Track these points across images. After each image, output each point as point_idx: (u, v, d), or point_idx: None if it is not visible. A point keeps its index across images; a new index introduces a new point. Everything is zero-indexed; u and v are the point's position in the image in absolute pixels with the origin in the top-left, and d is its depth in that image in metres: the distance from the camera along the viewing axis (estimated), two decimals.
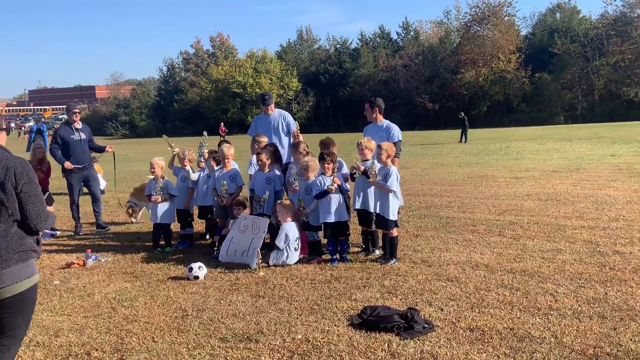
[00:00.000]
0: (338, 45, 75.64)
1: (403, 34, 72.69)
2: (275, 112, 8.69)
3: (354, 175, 7.28)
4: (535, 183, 13.37)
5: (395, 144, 7.60)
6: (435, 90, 61.33)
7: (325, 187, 7.06)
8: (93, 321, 5.33)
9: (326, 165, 7.21)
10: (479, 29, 61.78)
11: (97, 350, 4.65)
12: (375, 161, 7.13)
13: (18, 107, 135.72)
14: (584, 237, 7.83)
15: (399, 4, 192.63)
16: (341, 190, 7.16)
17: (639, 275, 6.03)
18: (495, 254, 7.19)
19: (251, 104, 66.57)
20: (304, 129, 9.03)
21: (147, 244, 8.60)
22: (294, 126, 8.58)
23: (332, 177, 7.07)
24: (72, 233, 9.79)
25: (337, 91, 65.28)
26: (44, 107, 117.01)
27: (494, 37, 59.71)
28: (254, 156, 8.12)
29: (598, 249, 7.21)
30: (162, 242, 8.25)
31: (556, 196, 11.30)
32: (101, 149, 10.51)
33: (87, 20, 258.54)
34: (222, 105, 67.44)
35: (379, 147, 7.22)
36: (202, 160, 8.46)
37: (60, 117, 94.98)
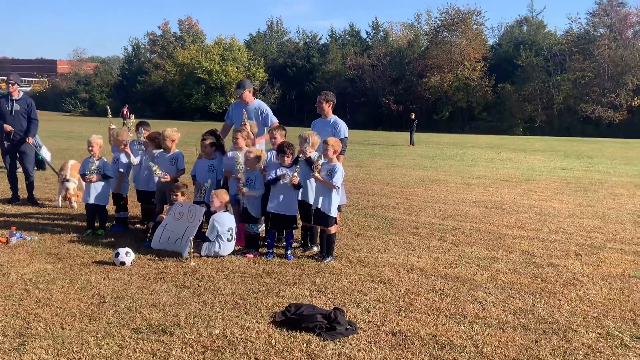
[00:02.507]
0: (307, 40, 75.44)
1: (372, 34, 72.99)
2: (254, 102, 8.39)
3: (299, 159, 7.06)
4: (484, 190, 13.46)
5: (341, 140, 7.42)
6: (400, 92, 61.78)
7: (280, 173, 6.87)
8: (2, 302, 5.03)
9: (285, 158, 7.01)
10: (447, 34, 62.49)
11: None
12: (322, 155, 6.98)
13: None
14: (522, 247, 7.85)
15: (371, 3, 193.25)
16: (297, 187, 6.95)
17: (569, 289, 6.05)
18: (432, 258, 7.14)
19: (215, 90, 65.78)
20: None
21: (80, 224, 8.28)
22: (274, 119, 8.36)
23: (292, 169, 6.86)
24: (7, 202, 9.89)
25: (303, 85, 64.99)
26: (1, 77, 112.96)
27: (461, 44, 60.55)
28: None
29: (534, 260, 7.23)
30: (97, 224, 7.95)
31: (502, 205, 11.38)
32: (24, 136, 9.80)
33: None
34: (185, 90, 66.40)
35: (325, 142, 7.01)
36: (139, 141, 8.21)
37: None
